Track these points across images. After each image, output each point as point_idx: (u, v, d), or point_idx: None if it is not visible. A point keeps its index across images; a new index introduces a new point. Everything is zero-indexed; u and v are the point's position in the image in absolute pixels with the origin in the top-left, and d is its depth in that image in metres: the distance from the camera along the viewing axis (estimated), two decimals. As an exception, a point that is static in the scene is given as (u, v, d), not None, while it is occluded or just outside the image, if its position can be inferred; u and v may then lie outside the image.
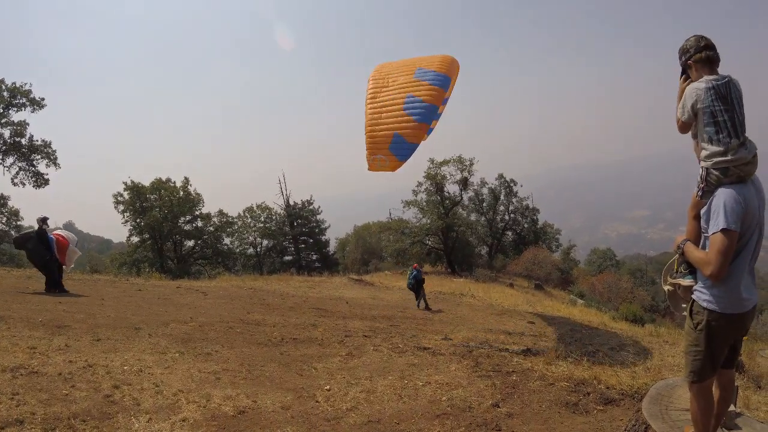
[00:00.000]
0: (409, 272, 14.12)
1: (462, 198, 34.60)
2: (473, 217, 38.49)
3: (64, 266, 10.14)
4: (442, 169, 32.43)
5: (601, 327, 12.20)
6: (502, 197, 38.45)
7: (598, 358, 7.11)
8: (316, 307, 10.66)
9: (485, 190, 37.99)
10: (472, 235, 37.47)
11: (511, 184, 38.32)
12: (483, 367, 5.82)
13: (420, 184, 33.45)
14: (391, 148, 5.34)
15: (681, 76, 2.82)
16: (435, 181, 32.70)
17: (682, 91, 2.77)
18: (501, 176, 38.28)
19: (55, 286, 9.69)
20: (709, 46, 2.63)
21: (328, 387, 4.76)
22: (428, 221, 33.40)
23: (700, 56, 2.64)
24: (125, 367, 4.76)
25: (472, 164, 32.35)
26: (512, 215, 39.19)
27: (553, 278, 31.90)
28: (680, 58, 2.75)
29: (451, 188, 33.82)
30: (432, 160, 32.44)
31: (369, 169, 6.10)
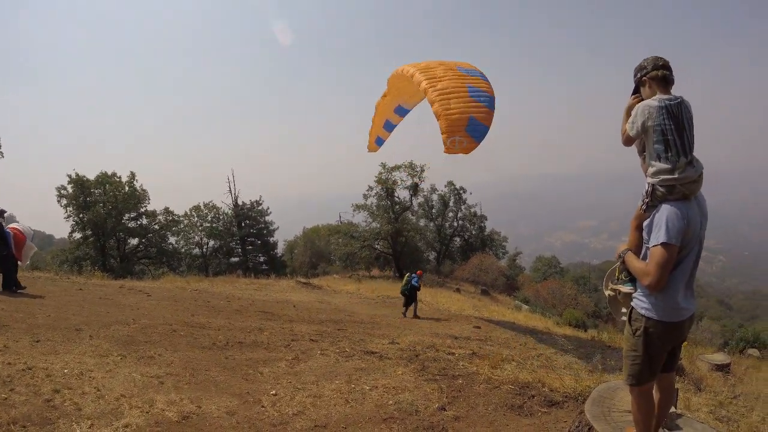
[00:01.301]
0: (407, 277, 13.68)
1: (412, 203, 34.85)
2: (422, 222, 38.85)
3: (19, 262, 9.47)
4: (393, 174, 32.54)
5: (545, 332, 12.51)
6: (451, 204, 38.99)
7: (541, 362, 7.25)
8: (263, 310, 10.40)
9: (435, 197, 38.48)
10: (421, 241, 37.83)
11: (461, 192, 38.93)
12: (429, 370, 5.81)
13: (371, 189, 33.48)
14: (468, 129, 5.28)
15: (633, 93, 2.89)
16: (386, 185, 32.78)
17: (631, 106, 2.85)
18: (451, 183, 38.83)
19: (12, 284, 9.05)
20: (666, 67, 2.71)
21: (274, 392, 4.62)
22: (378, 226, 33.44)
23: (656, 74, 2.71)
24: (66, 371, 4.52)
25: (423, 170, 32.66)
26: (461, 222, 39.82)
27: (499, 284, 32.59)
28: (635, 75, 2.83)
29: (402, 193, 34.02)
30: (383, 165, 32.47)
31: (445, 152, 5.94)
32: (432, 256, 39.99)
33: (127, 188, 31.09)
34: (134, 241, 32.64)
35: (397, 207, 33.85)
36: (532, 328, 12.90)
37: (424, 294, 20.86)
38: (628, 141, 2.88)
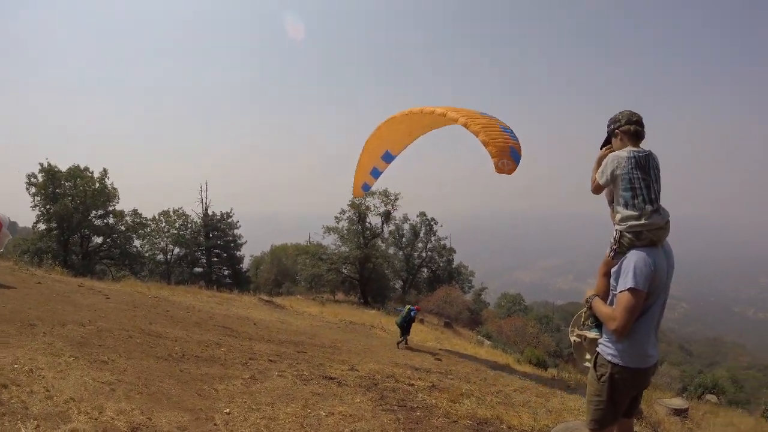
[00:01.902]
0: (406, 311, 13.69)
1: (383, 231, 34.96)
2: (392, 250, 39.00)
3: None
4: (366, 199, 32.61)
5: (506, 368, 12.50)
6: (421, 234, 39.26)
7: (500, 399, 7.22)
8: (222, 325, 10.12)
9: (406, 226, 38.74)
10: (389, 268, 37.83)
11: (432, 223, 39.29)
12: (388, 400, 5.72)
13: (343, 212, 33.51)
14: (511, 155, 5.72)
15: (603, 143, 2.99)
16: (358, 210, 32.82)
17: (601, 157, 2.97)
18: (423, 214, 39.20)
19: None
20: (639, 123, 2.83)
21: (227, 410, 4.46)
22: (347, 249, 33.35)
23: (628, 128, 2.83)
24: (16, 365, 4.35)
25: (396, 199, 32.87)
26: (429, 253, 40.06)
27: (462, 317, 32.66)
28: (609, 126, 2.94)
29: (374, 220, 34.11)
30: (354, 182, 32.58)
31: (497, 171, 6.45)
32: (398, 284, 39.99)
33: (97, 184, 30.22)
34: (98, 240, 31.69)
35: (368, 233, 33.89)
36: (493, 364, 12.87)
37: (388, 322, 20.72)
38: (597, 189, 3.00)
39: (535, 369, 15.22)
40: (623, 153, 2.77)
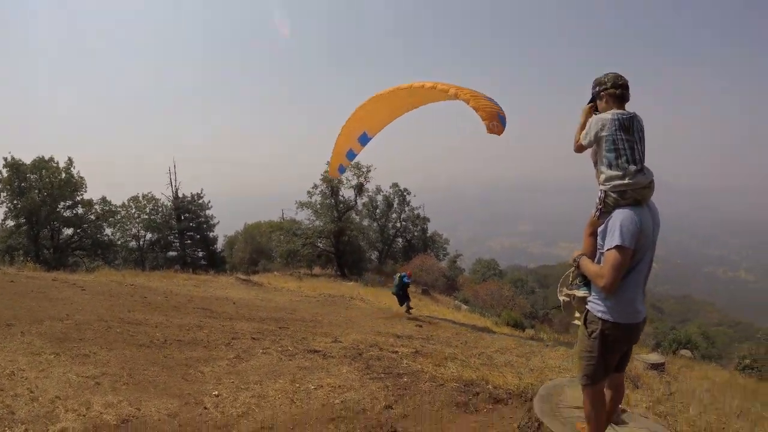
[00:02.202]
0: (398, 279, 13.83)
1: (356, 203, 34.83)
2: (366, 222, 38.98)
3: None
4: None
5: (485, 331, 12.76)
6: (395, 205, 39.31)
7: (483, 360, 7.38)
8: (202, 307, 10.01)
9: (380, 197, 38.66)
10: (364, 240, 37.87)
11: (405, 193, 39.33)
12: (374, 369, 5.77)
13: (316, 186, 33.18)
14: (499, 119, 5.91)
15: (589, 102, 2.98)
16: (331, 184, 32.55)
17: (586, 116, 2.98)
18: (396, 185, 39.18)
19: None
20: (625, 86, 2.83)
21: (216, 392, 4.43)
22: (321, 224, 33.19)
23: (614, 91, 2.83)
24: None
25: (369, 171, 32.70)
26: (404, 223, 40.21)
27: (439, 284, 33.08)
28: (594, 87, 2.93)
29: (347, 193, 33.92)
30: (329, 163, 32.24)
31: (488, 132, 6.66)
32: (374, 255, 40.15)
33: (63, 174, 29.14)
34: (69, 232, 30.79)
35: (341, 206, 33.72)
36: (472, 327, 13.12)
37: (367, 293, 20.84)
38: (579, 149, 3.02)
39: (513, 330, 15.59)
40: (607, 115, 2.78)
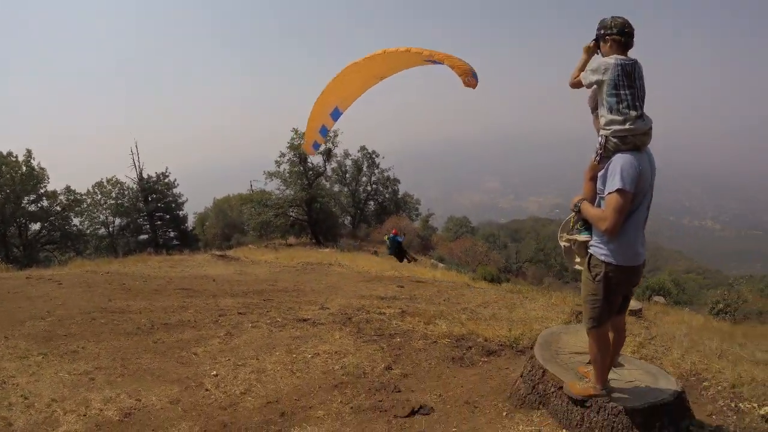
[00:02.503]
0: (389, 242, 13.96)
1: (326, 169, 34.49)
2: (336, 188, 38.79)
3: None
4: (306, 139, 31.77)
5: (464, 287, 12.97)
6: (364, 168, 39.15)
7: (468, 315, 7.54)
8: (182, 287, 9.86)
9: (348, 162, 38.41)
10: (336, 206, 37.74)
11: (374, 156, 39.12)
12: (366, 332, 5.85)
13: (283, 155, 32.53)
14: (473, 74, 5.86)
15: (593, 41, 2.96)
16: (298, 151, 32.04)
17: (588, 54, 3.00)
18: (363, 148, 38.92)
19: None
20: (630, 34, 2.81)
21: (214, 372, 4.40)
22: (292, 192, 32.80)
23: (619, 38, 2.81)
24: None
25: (336, 135, 32.28)
26: (374, 186, 40.17)
27: (414, 245, 33.41)
28: (599, 29, 2.89)
29: (315, 159, 33.49)
30: (296, 131, 31.63)
31: (465, 86, 6.67)
32: (347, 220, 40.16)
33: (24, 168, 27.95)
34: (36, 227, 29.79)
35: (311, 173, 33.33)
36: (451, 284, 13.32)
37: (344, 258, 20.92)
38: (576, 85, 3.05)
39: (490, 284, 15.91)
40: (610, 60, 2.79)
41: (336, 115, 6.88)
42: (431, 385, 4.04)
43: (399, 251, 14.09)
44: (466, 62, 5.30)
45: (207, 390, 4.03)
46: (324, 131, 7.12)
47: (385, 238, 14.51)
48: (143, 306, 7.59)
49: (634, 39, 2.83)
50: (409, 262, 13.93)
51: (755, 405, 3.68)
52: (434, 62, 5.43)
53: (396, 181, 40.56)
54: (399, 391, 3.89)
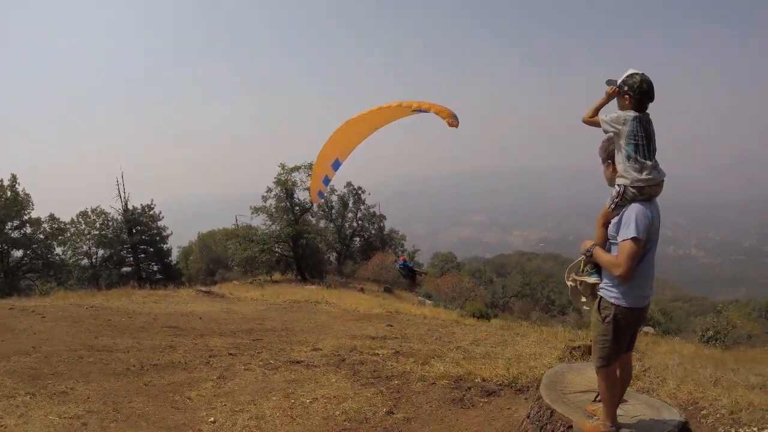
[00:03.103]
0: (398, 268, 14.70)
1: (312, 205, 34.42)
2: (323, 223, 38.65)
3: None
4: (292, 175, 31.86)
5: (454, 324, 12.91)
6: (350, 204, 39.18)
7: (462, 354, 7.49)
8: (169, 325, 9.67)
9: (335, 197, 38.38)
10: (322, 242, 37.53)
11: (360, 192, 39.22)
12: (362, 374, 5.77)
13: (270, 190, 32.46)
14: (454, 116, 6.18)
15: (615, 88, 3.04)
16: (285, 186, 32.02)
17: (608, 99, 3.12)
18: (350, 184, 39.01)
19: None
20: (651, 97, 2.97)
21: (212, 419, 4.27)
22: (278, 228, 32.58)
23: (638, 99, 2.95)
24: None
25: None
26: (360, 222, 40.14)
27: (400, 281, 33.25)
28: (625, 84, 2.98)
29: (302, 194, 33.45)
30: (282, 166, 31.71)
31: (450, 126, 7.04)
32: (333, 257, 39.90)
33: (8, 193, 27.47)
34: (18, 254, 29.12)
35: (297, 208, 33.23)
36: (441, 322, 13.25)
37: (330, 296, 20.71)
38: (591, 123, 3.18)
39: (479, 321, 15.85)
40: (630, 113, 2.94)
41: (336, 165, 7.23)
42: (435, 429, 3.99)
43: (410, 274, 14.81)
44: (447, 107, 5.86)
45: (205, 437, 3.89)
46: (326, 180, 7.43)
47: (396, 265, 15.25)
48: (131, 344, 7.40)
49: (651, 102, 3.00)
50: (421, 276, 14.69)
51: (755, 429, 3.74)
52: (421, 111, 5.88)
53: (382, 217, 40.66)
54: (403, 437, 3.83)
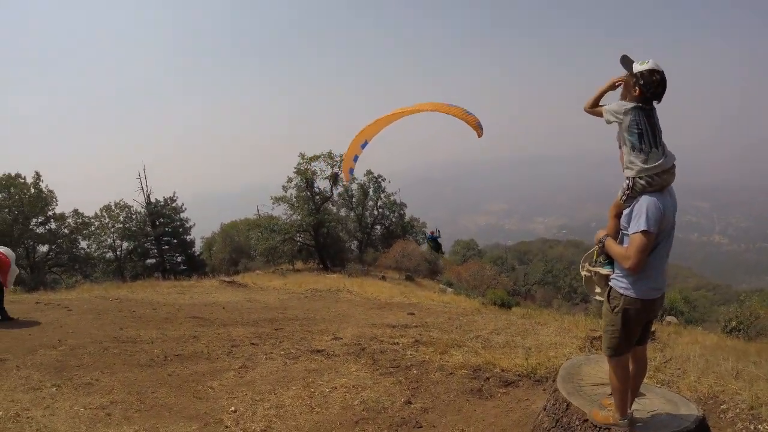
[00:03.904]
0: (428, 241, 15.96)
1: (332, 194, 34.56)
2: (343, 212, 38.75)
3: (5, 287, 8.51)
4: (312, 164, 32.00)
5: (475, 312, 12.88)
6: (371, 193, 39.15)
7: (481, 343, 7.48)
8: (192, 315, 9.86)
9: (355, 186, 38.38)
10: (343, 231, 37.70)
11: (380, 180, 39.18)
12: (381, 364, 5.81)
13: (290, 180, 32.66)
14: (478, 124, 6.56)
15: (621, 82, 2.98)
16: (305, 176, 32.18)
17: (610, 88, 3.06)
18: (369, 172, 38.97)
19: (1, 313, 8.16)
20: (660, 99, 2.90)
21: (233, 408, 4.36)
22: (299, 217, 32.81)
23: (649, 96, 2.87)
24: (0, 413, 3.95)
25: (342, 160, 32.41)
26: (381, 210, 40.13)
27: (421, 269, 33.23)
28: (638, 77, 2.87)
29: (322, 184, 33.59)
30: (302, 155, 31.87)
31: (479, 136, 7.37)
32: (354, 245, 40.06)
33: (32, 190, 28.14)
34: (44, 249, 29.80)
35: (318, 197, 33.42)
36: (462, 310, 13.23)
37: (352, 284, 20.83)
38: (593, 113, 3.13)
39: (500, 309, 15.78)
40: (630, 104, 2.88)
41: (364, 145, 7.69)
42: (452, 419, 4.00)
43: (437, 246, 15.88)
44: (473, 115, 6.22)
45: (227, 427, 3.99)
46: (356, 158, 7.96)
47: (426, 239, 16.39)
48: (155, 335, 7.58)
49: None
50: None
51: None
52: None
53: (403, 204, 40.59)
54: (420, 427, 3.86)
